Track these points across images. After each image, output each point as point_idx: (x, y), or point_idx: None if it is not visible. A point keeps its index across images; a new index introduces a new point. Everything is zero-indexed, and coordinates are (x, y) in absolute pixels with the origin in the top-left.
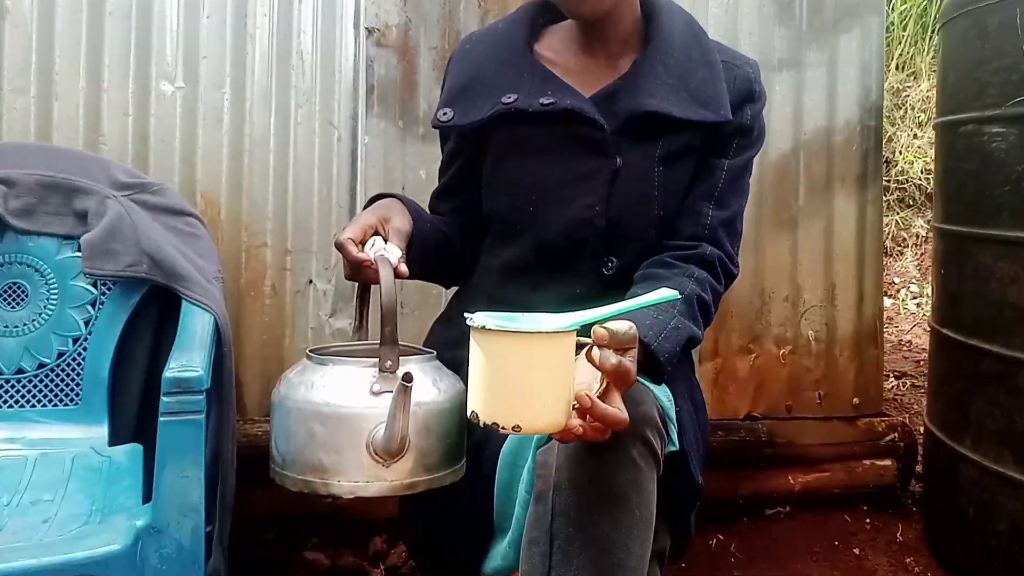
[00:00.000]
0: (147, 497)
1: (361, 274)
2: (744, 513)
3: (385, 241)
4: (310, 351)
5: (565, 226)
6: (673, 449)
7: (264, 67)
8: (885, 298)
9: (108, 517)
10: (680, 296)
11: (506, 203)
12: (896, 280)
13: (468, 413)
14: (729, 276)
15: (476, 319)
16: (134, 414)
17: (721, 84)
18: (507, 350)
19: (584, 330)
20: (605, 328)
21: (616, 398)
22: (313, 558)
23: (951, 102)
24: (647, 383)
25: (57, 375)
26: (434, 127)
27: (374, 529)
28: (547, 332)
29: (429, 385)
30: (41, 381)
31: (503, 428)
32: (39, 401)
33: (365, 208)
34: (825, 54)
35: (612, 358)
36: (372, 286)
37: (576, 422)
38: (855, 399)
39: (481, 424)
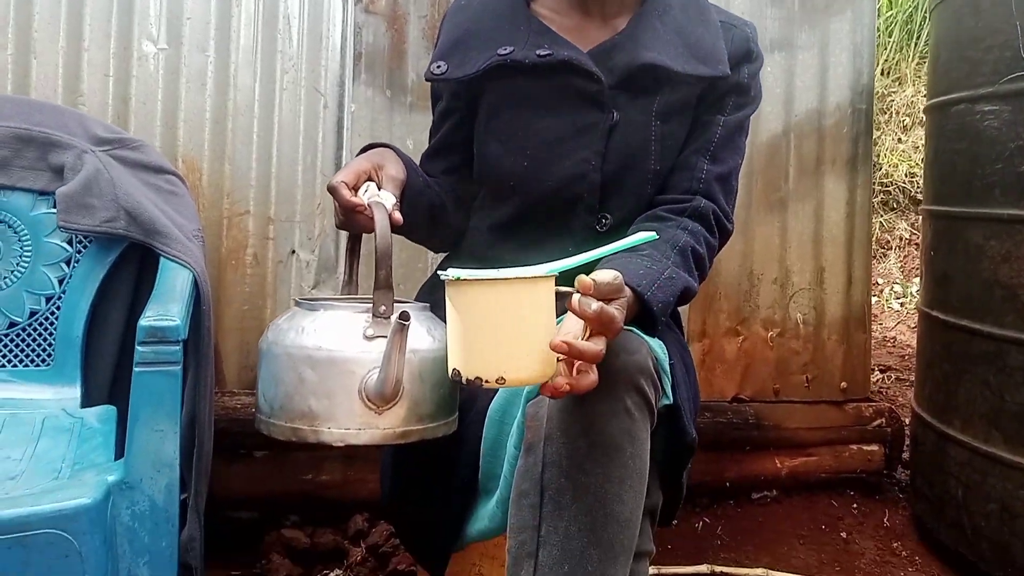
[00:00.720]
0: (120, 457)
1: (353, 220)
2: (731, 496)
3: (379, 188)
4: (300, 299)
5: (560, 181)
6: (667, 403)
7: (250, 30)
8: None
9: (78, 473)
10: (671, 248)
11: (499, 158)
12: (880, 280)
13: (449, 372)
14: (724, 231)
15: (450, 272)
16: (108, 376)
17: (719, 41)
18: (483, 299)
19: (568, 281)
20: (590, 277)
21: (600, 343)
22: (292, 536)
23: (942, 83)
24: (640, 333)
25: (29, 335)
26: (427, 80)
27: (354, 507)
28: (523, 278)
29: (424, 333)
30: (12, 340)
31: (486, 382)
32: (9, 361)
33: (358, 155)
34: (817, 36)
35: (593, 304)
36: (362, 239)
37: (562, 379)
38: (843, 383)
39: (464, 381)
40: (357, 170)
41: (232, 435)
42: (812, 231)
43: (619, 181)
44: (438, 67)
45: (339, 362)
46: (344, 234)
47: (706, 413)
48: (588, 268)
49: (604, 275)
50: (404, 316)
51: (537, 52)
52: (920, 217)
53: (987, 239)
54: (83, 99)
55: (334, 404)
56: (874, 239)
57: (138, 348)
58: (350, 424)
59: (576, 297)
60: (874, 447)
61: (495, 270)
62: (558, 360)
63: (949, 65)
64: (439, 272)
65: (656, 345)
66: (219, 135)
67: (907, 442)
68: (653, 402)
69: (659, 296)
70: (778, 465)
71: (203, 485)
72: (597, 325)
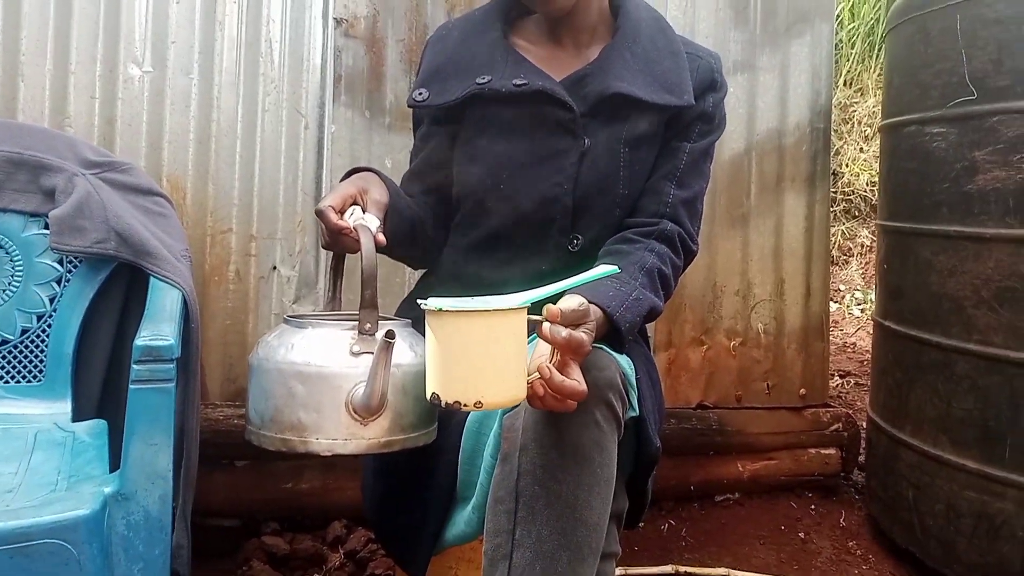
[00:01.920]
0: (114, 470)
1: (339, 242)
2: (695, 499)
3: (364, 211)
4: (288, 316)
5: (534, 203)
6: (633, 415)
7: (232, 54)
8: (831, 303)
9: (75, 485)
10: (639, 270)
11: (477, 181)
12: (841, 287)
13: (428, 396)
14: (689, 252)
15: (431, 303)
16: (97, 391)
17: (685, 72)
18: (462, 329)
19: (538, 309)
20: (557, 306)
21: (574, 370)
22: (272, 543)
23: (895, 105)
24: (609, 351)
25: (21, 352)
26: (409, 106)
27: (333, 514)
28: (500, 309)
29: (406, 348)
30: (4, 357)
31: (465, 406)
32: (1, 378)
33: (343, 180)
34: (778, 58)
35: (562, 332)
36: (346, 259)
37: (540, 390)
38: (802, 390)
39: (443, 404)
40: (343, 194)
41: (215, 446)
42: (773, 245)
43: (589, 205)
44: (420, 95)
45: (327, 377)
46: (325, 252)
47: (671, 420)
48: (556, 296)
49: (570, 302)
50: (390, 335)
51: (513, 82)
52: None
53: (935, 254)
54: (70, 120)
55: (322, 416)
56: (836, 247)
57: (134, 367)
58: (337, 435)
59: (546, 325)
60: (831, 451)
61: (472, 299)
62: (541, 384)
63: (901, 88)
64: (419, 300)
65: (624, 361)
66: (203, 155)
67: (863, 446)
68: (620, 415)
69: (627, 316)
70: (740, 469)
71: (190, 495)
72: (567, 350)
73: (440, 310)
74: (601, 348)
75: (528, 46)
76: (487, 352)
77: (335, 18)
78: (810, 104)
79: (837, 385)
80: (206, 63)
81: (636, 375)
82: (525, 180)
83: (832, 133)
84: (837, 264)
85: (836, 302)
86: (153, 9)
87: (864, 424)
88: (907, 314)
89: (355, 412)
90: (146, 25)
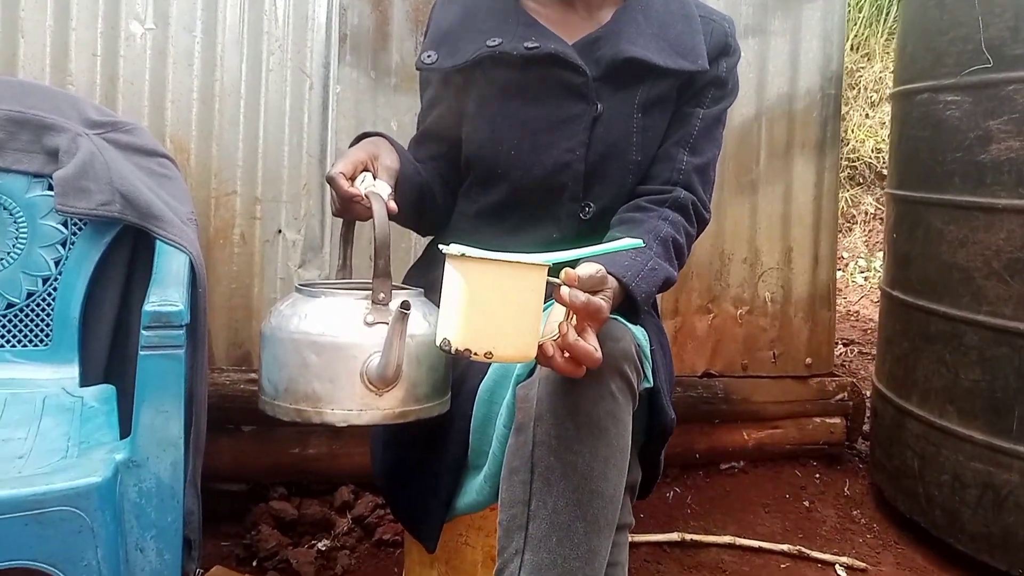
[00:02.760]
0: (123, 437)
1: (350, 209)
2: (700, 467)
3: (375, 178)
4: (300, 285)
5: (545, 169)
6: (647, 386)
7: (236, 11)
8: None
9: (86, 452)
10: (653, 239)
11: (487, 146)
12: (845, 255)
13: (439, 341)
14: (702, 220)
15: (453, 248)
16: (104, 355)
17: (699, 36)
18: (484, 277)
19: (556, 272)
20: (575, 271)
21: (590, 335)
22: (280, 508)
23: (908, 72)
24: (624, 321)
25: (26, 315)
26: (417, 69)
27: (341, 480)
28: (523, 263)
29: (420, 318)
30: (10, 321)
31: (475, 354)
32: (8, 341)
33: (352, 145)
34: (790, 22)
35: (581, 296)
36: (355, 226)
37: (550, 349)
38: (807, 359)
39: (453, 351)
40: (354, 161)
41: (221, 410)
42: (781, 212)
43: (602, 171)
44: (428, 56)
45: (342, 347)
46: (330, 215)
47: (677, 388)
48: (574, 262)
49: (588, 268)
50: (405, 305)
51: (525, 44)
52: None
53: (946, 224)
54: (71, 79)
55: (337, 387)
56: (840, 213)
57: (143, 332)
58: (351, 406)
59: (564, 289)
60: (836, 420)
61: (495, 252)
62: (553, 344)
63: (915, 55)
64: (440, 246)
65: (638, 332)
66: (207, 115)
67: (868, 415)
68: (635, 386)
69: (643, 287)
70: (745, 437)
71: (199, 461)
72: (584, 315)
73: (464, 256)
74: (616, 319)
75: (539, 8)
76: (505, 303)
77: None
78: (821, 69)
79: (841, 354)
80: (209, 20)
81: (650, 345)
82: (536, 145)
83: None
84: (841, 231)
85: (840, 270)
86: None
87: (868, 393)
88: (915, 284)
89: (370, 382)
90: None
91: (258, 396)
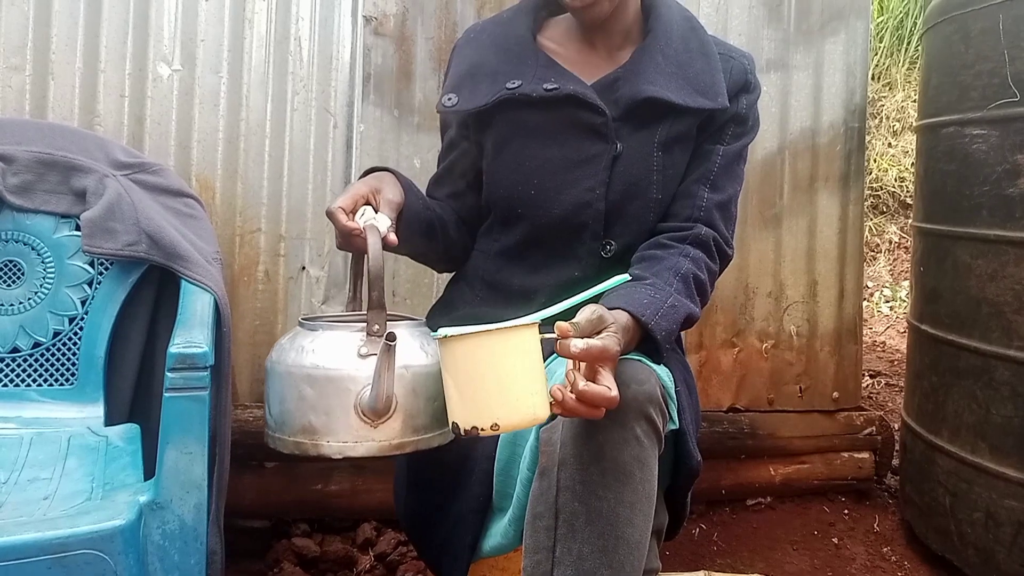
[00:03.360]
0: (147, 476)
1: (351, 243)
2: (726, 503)
3: (376, 211)
4: (303, 318)
5: (566, 209)
6: (673, 427)
7: (261, 52)
8: None
9: (110, 493)
10: (674, 276)
11: (508, 186)
12: (870, 284)
13: (450, 426)
14: (724, 256)
15: (439, 332)
16: (129, 394)
17: (719, 74)
18: (469, 352)
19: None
20: (571, 320)
21: (604, 376)
22: (302, 545)
23: (933, 105)
24: (648, 362)
25: (53, 354)
26: (438, 112)
27: (363, 515)
28: (504, 328)
29: (417, 349)
30: (36, 360)
31: (483, 430)
32: (34, 380)
33: (358, 180)
34: (812, 57)
35: (578, 343)
36: (364, 258)
37: (559, 395)
38: (835, 393)
39: (463, 432)
40: (355, 195)
41: (244, 447)
42: (806, 246)
43: (622, 209)
44: (449, 100)
45: (335, 380)
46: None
47: (703, 423)
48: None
49: (583, 312)
50: (391, 337)
51: (544, 86)
52: (909, 221)
53: (974, 258)
54: (99, 119)
55: (332, 419)
56: (864, 242)
57: (168, 374)
58: (347, 438)
59: (559, 342)
60: (864, 455)
61: (482, 325)
62: (561, 389)
63: (939, 88)
64: (430, 333)
65: (663, 373)
66: (232, 154)
67: (897, 449)
68: (661, 429)
69: (663, 324)
70: (772, 473)
71: (222, 500)
72: (588, 359)
73: (446, 337)
74: (639, 359)
75: (558, 48)
76: (497, 372)
77: (364, 16)
78: (844, 103)
79: (868, 385)
80: (235, 61)
81: (675, 386)
82: (557, 185)
83: None
84: (865, 260)
85: (865, 299)
86: (183, 7)
87: (896, 426)
88: (944, 318)
89: (364, 414)
90: (175, 23)
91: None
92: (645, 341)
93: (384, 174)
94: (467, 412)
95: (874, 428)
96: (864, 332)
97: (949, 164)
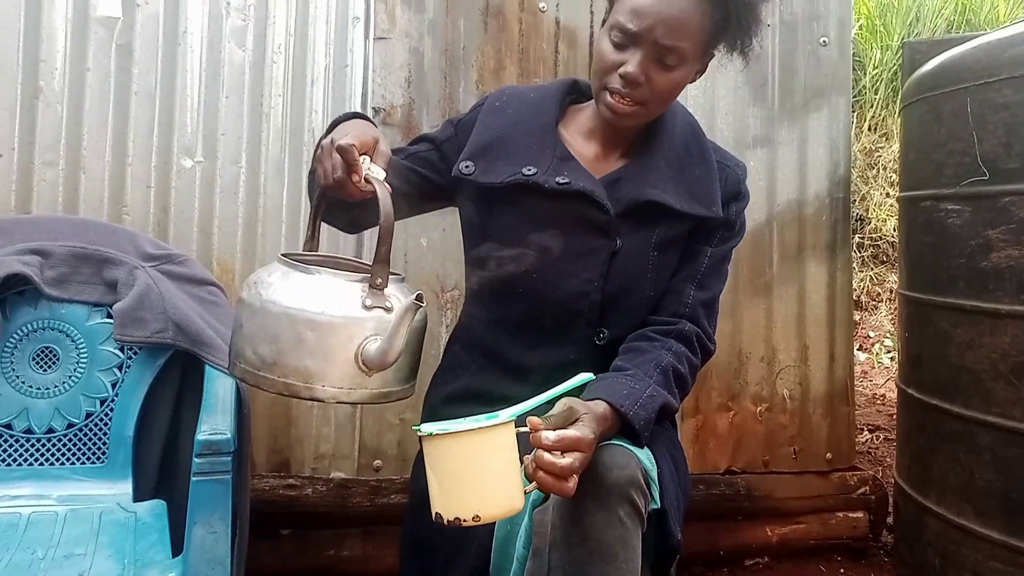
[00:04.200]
0: (174, 551)
1: (344, 187)
2: (724, 564)
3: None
4: (283, 256)
5: (563, 296)
6: (655, 507)
7: (278, 143)
8: (859, 352)
9: (141, 571)
10: (655, 368)
11: (510, 266)
12: (871, 334)
13: (433, 516)
14: (706, 351)
15: (423, 428)
16: (155, 471)
17: (716, 182)
18: (449, 450)
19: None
20: (540, 417)
21: (570, 457)
22: None
23: (911, 179)
24: (630, 446)
25: (85, 434)
26: (453, 175)
27: None
28: (483, 427)
29: (405, 299)
30: (70, 440)
31: (465, 521)
32: (67, 459)
33: (341, 122)
34: (796, 132)
35: (549, 435)
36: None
37: (530, 467)
38: (828, 454)
39: (446, 522)
40: (363, 139)
41: (261, 514)
42: (796, 312)
43: (617, 303)
44: (467, 167)
45: (340, 327)
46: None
47: (700, 486)
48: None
49: (556, 407)
50: (420, 298)
51: (557, 179)
52: None
53: (953, 326)
54: (127, 209)
55: (329, 365)
56: (864, 292)
57: (195, 460)
58: (342, 384)
59: (533, 435)
60: (859, 514)
61: (463, 420)
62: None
63: (917, 163)
64: (414, 427)
65: (644, 456)
66: (250, 239)
67: (891, 507)
68: (643, 510)
69: (641, 413)
70: (769, 534)
71: (242, 570)
72: (562, 448)
73: (430, 434)
74: (622, 444)
75: (575, 139)
76: (478, 467)
77: (373, 107)
78: (829, 175)
79: (867, 440)
80: (253, 153)
81: (658, 466)
82: (557, 274)
83: (858, 178)
84: (867, 309)
85: (864, 351)
86: (205, 104)
87: (893, 482)
88: (928, 382)
89: (364, 364)
90: (198, 119)
91: (230, 362)
92: (625, 428)
93: (370, 126)
94: (449, 504)
95: (868, 487)
96: (864, 384)
97: (928, 236)
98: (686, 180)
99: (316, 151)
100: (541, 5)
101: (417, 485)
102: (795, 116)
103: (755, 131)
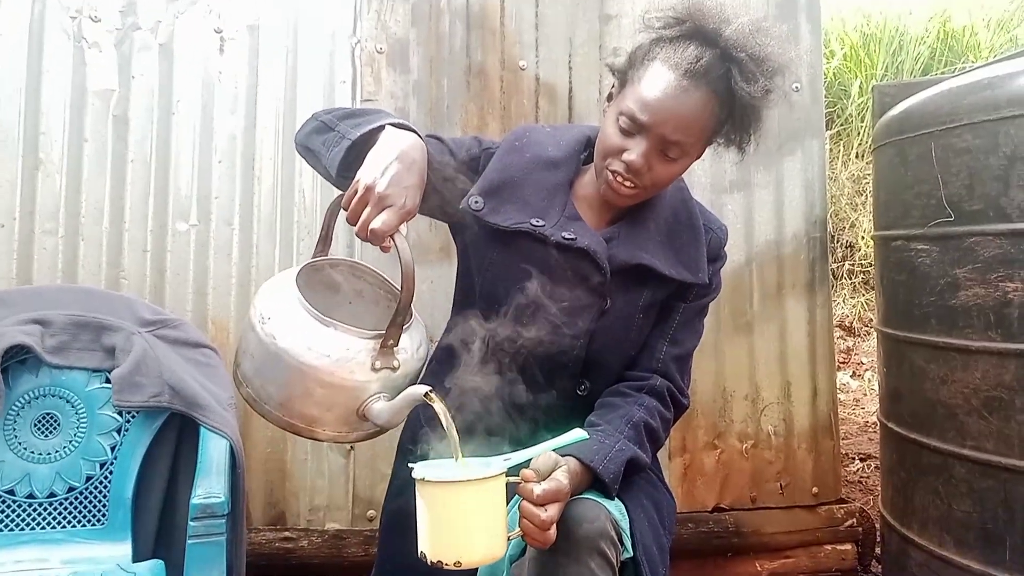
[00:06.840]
0: None
1: (370, 239)
2: None
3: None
4: (298, 275)
5: (549, 349)
6: (627, 556)
7: (269, 205)
8: (852, 380)
9: None
10: (626, 424)
11: (501, 309)
12: (864, 360)
13: (419, 553)
14: (679, 405)
15: (416, 471)
16: (153, 531)
17: (702, 247)
18: (441, 497)
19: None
20: (530, 468)
21: (552, 506)
22: None
23: (884, 219)
24: (600, 499)
25: (85, 497)
26: (461, 208)
27: None
28: (475, 479)
29: (412, 351)
30: (71, 503)
31: (447, 566)
32: (68, 522)
33: (371, 115)
34: (772, 175)
35: (536, 489)
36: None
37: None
38: (814, 488)
39: (430, 562)
40: (406, 212)
41: (257, 567)
42: (778, 349)
43: (599, 359)
44: (476, 202)
45: (348, 388)
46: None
47: (689, 524)
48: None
49: (540, 459)
50: (429, 397)
51: (563, 234)
52: None
53: (928, 362)
54: (124, 273)
55: (333, 415)
56: (856, 319)
57: (191, 523)
58: (341, 430)
59: (521, 486)
60: (847, 546)
61: (456, 465)
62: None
63: (887, 204)
64: (409, 465)
65: (614, 508)
66: (244, 298)
67: (878, 538)
68: (614, 561)
69: (611, 467)
70: (758, 568)
71: None
72: (547, 501)
73: (424, 480)
74: (592, 498)
75: (584, 200)
76: (467, 515)
77: None
78: (805, 215)
79: (857, 469)
80: (246, 214)
81: (630, 517)
82: (547, 326)
83: (847, 205)
84: (859, 336)
85: (857, 377)
86: (199, 168)
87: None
88: (907, 417)
89: (363, 417)
90: (192, 183)
91: (236, 380)
92: (595, 483)
93: (422, 175)
94: (435, 547)
95: (855, 520)
96: (856, 413)
97: (900, 274)
98: (675, 245)
99: (356, 176)
100: (522, 63)
101: (391, 505)
102: (771, 159)
103: (732, 175)
